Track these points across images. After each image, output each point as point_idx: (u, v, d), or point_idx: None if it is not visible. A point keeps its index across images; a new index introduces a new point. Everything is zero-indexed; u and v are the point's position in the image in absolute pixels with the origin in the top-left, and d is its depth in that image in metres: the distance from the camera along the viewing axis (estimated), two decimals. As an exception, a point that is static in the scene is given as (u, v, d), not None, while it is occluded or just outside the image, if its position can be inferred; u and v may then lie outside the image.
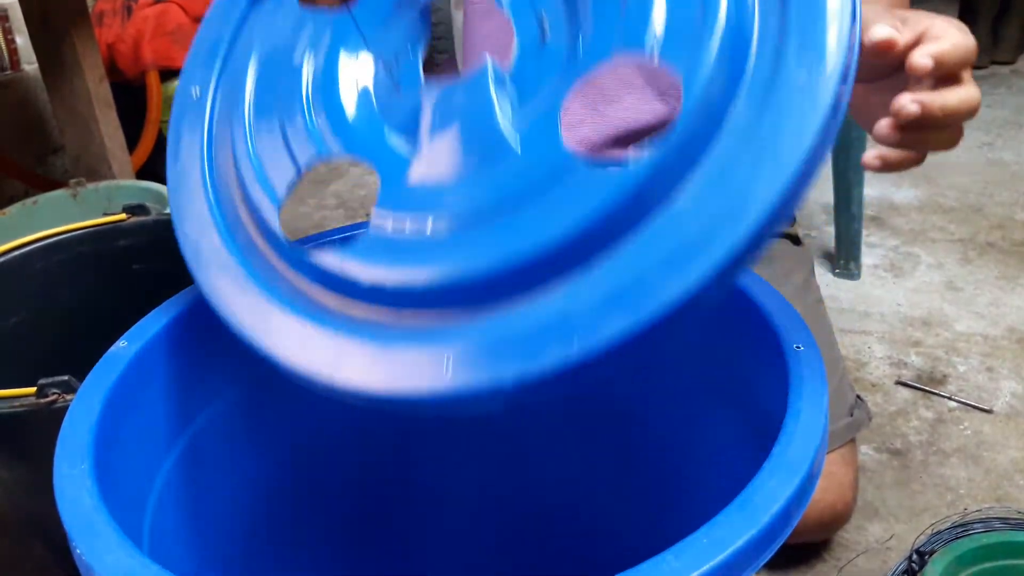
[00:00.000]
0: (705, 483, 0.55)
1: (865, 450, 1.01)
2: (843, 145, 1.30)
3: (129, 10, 1.77)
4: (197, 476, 0.53)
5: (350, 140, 0.45)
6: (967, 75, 0.47)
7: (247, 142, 0.46)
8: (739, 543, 0.34)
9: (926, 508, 0.93)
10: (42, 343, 0.92)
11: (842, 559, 0.88)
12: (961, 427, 1.05)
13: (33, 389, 0.66)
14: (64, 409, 0.47)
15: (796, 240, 0.86)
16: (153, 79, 1.73)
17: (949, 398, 1.09)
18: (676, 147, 0.36)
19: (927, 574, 0.75)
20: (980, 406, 1.07)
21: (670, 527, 0.44)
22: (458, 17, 0.90)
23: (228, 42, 0.50)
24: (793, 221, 0.89)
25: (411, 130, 0.43)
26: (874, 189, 1.62)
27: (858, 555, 0.88)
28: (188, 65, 0.52)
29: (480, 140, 0.40)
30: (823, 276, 1.36)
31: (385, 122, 0.45)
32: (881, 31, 0.44)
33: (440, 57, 1.67)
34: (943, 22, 0.47)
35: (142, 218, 0.95)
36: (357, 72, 0.47)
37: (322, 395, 0.39)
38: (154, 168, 1.70)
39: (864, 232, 1.39)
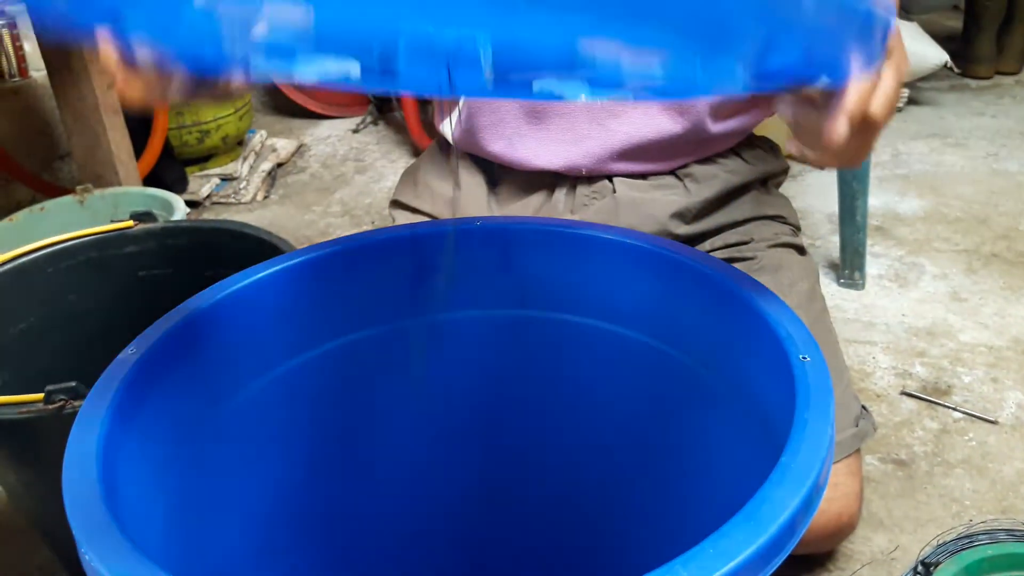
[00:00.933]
0: (712, 493, 0.55)
1: (870, 460, 1.01)
2: (848, 155, 1.30)
3: (137, 18, 1.78)
4: (207, 482, 0.53)
5: None
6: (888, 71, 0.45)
7: None
8: (746, 553, 0.34)
9: (931, 519, 0.93)
10: (49, 349, 0.92)
11: (847, 570, 0.88)
12: (966, 438, 1.05)
13: (41, 395, 0.66)
14: (72, 415, 0.48)
15: (801, 250, 0.87)
16: (160, 86, 1.74)
17: (954, 409, 1.09)
18: None
19: (932, 585, 0.75)
20: (985, 417, 1.07)
21: (676, 537, 0.44)
22: None
23: None
24: (798, 231, 0.89)
25: None
26: (878, 199, 1.62)
27: (863, 566, 0.88)
28: None
29: None
30: (828, 286, 1.36)
31: None
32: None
33: None
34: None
35: (149, 225, 0.96)
36: None
37: None
38: (161, 175, 1.71)
39: (869, 242, 1.40)
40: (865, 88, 0.43)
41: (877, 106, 0.45)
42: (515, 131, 0.84)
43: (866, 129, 0.46)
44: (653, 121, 0.80)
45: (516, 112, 0.83)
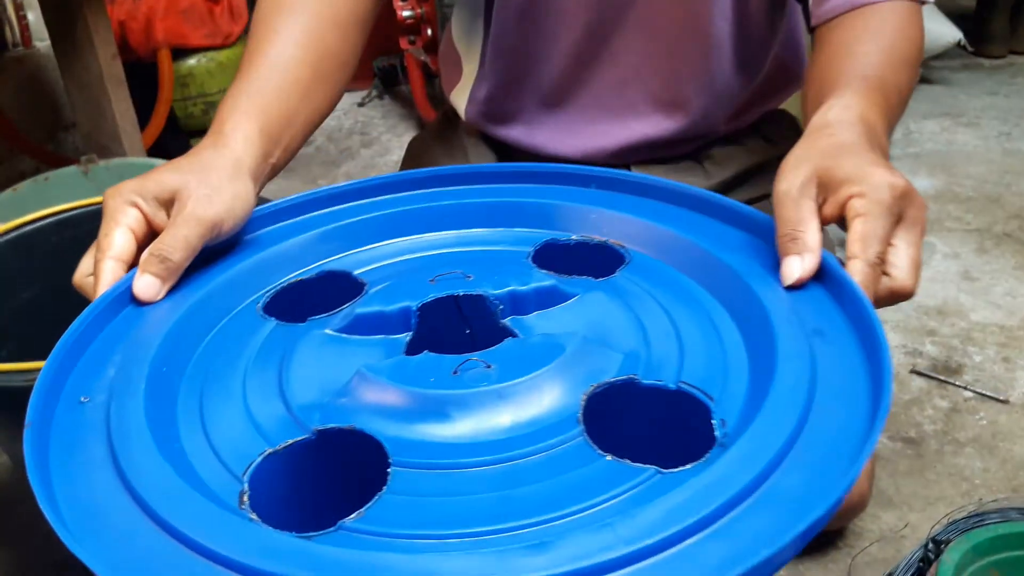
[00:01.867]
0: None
1: (880, 439, 1.00)
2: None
3: (141, -13, 1.76)
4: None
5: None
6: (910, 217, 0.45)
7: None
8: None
9: (940, 497, 0.93)
10: (55, 318, 0.91)
11: (856, 547, 0.88)
12: (976, 417, 1.04)
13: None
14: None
15: (817, 226, 0.85)
16: (165, 57, 1.72)
17: (964, 388, 1.08)
18: None
19: (943, 563, 0.74)
20: (996, 396, 1.06)
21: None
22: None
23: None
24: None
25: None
26: (890, 177, 1.61)
27: (872, 543, 0.88)
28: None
29: None
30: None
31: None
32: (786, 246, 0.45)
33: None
34: (877, 191, 0.44)
35: (155, 194, 0.94)
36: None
37: None
38: (165, 146, 1.70)
39: (880, 220, 1.38)
40: (870, 283, 0.43)
41: (901, 282, 0.44)
42: (534, 118, 0.82)
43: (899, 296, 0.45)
44: (673, 122, 0.78)
45: (537, 100, 0.81)
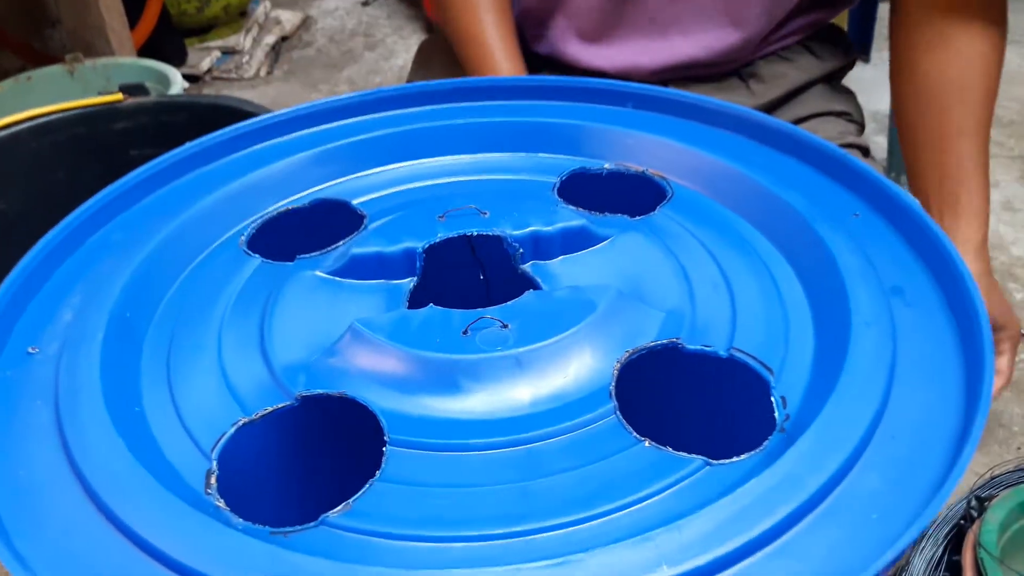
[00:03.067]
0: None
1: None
2: (905, 47, 1.19)
3: None
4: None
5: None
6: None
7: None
8: None
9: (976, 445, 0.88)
10: (32, 230, 0.85)
11: (886, 496, 0.83)
12: (1016, 359, 0.98)
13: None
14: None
15: (866, 151, 0.78)
16: (156, -53, 1.61)
17: (1003, 327, 1.02)
18: None
19: (986, 522, 0.69)
20: (1037, 337, 1.00)
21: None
22: None
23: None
24: (863, 129, 0.80)
25: None
26: (926, 97, 1.52)
27: (903, 493, 0.83)
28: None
29: None
30: (870, 190, 1.28)
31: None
32: None
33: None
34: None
35: (141, 99, 0.87)
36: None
37: None
38: (158, 46, 1.60)
39: (917, 144, 1.30)
40: None
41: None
42: (569, 29, 0.74)
43: None
44: (724, 44, 0.71)
45: (578, 13, 0.73)
